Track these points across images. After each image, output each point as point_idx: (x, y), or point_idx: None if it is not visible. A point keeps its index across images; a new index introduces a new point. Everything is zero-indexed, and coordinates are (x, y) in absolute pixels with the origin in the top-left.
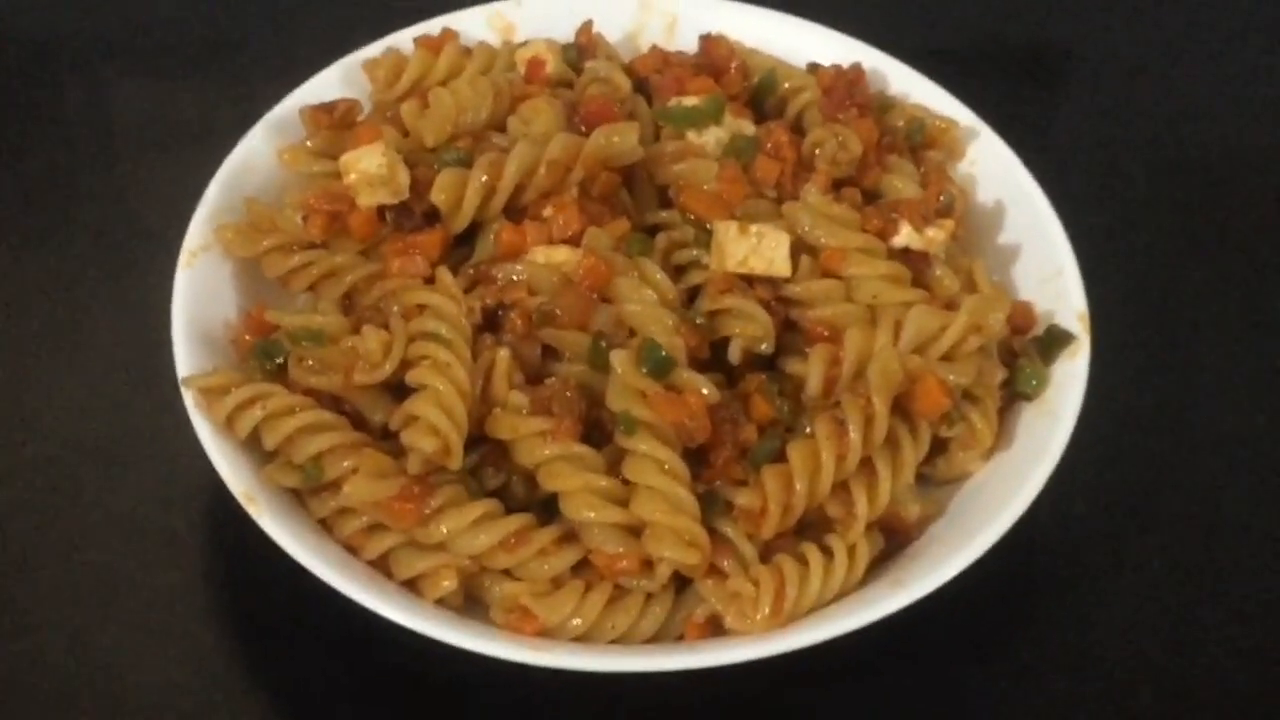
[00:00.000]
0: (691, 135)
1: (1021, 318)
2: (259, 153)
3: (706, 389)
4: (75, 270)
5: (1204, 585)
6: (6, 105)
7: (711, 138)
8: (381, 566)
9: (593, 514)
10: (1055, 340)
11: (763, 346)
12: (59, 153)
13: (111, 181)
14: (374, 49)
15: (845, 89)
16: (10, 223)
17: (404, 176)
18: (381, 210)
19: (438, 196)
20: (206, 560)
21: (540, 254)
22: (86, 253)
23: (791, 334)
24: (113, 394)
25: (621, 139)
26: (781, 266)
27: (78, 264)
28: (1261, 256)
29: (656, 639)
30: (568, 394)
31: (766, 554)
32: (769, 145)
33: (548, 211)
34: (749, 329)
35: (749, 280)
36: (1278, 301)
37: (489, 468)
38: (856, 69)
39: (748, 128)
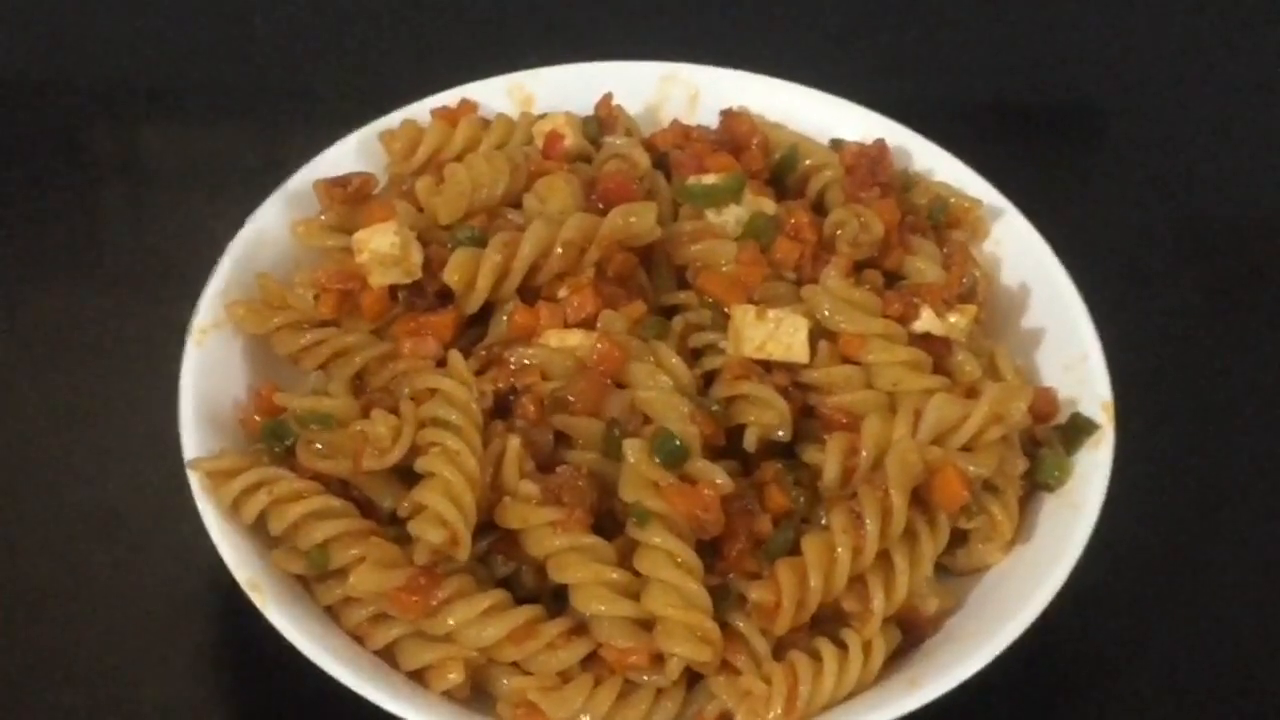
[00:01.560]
0: (711, 214)
1: (1044, 405)
2: (272, 225)
3: (721, 479)
4: (92, 330)
5: (1232, 685)
6: (26, 157)
7: (731, 217)
8: (388, 656)
9: (603, 607)
10: (1079, 429)
11: (779, 434)
12: (80, 207)
13: (134, 236)
14: (392, 119)
15: (868, 167)
16: (27, 277)
17: (417, 256)
18: (394, 289)
19: (451, 277)
20: (210, 643)
21: (553, 338)
22: (104, 313)
23: (809, 420)
24: (125, 464)
25: (639, 219)
26: (800, 352)
27: (95, 324)
28: None
29: None
30: (579, 484)
31: (780, 648)
32: (789, 226)
33: (563, 292)
34: (765, 416)
35: (766, 365)
36: None
37: (499, 556)
38: (880, 146)
39: (768, 206)
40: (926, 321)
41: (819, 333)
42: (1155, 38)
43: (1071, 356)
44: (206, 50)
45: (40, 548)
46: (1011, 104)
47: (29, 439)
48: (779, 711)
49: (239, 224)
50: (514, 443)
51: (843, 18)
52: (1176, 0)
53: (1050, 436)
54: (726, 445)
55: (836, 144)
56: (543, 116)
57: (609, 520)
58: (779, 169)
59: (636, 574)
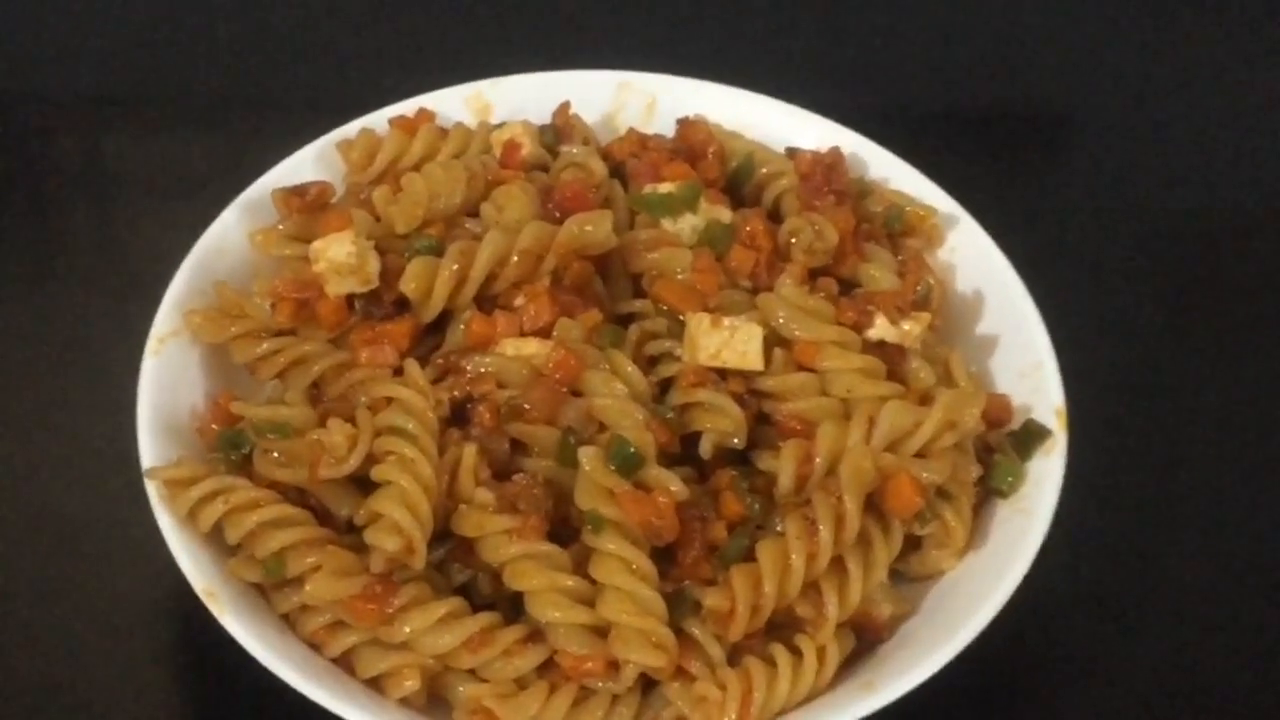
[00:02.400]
0: (666, 223)
1: (998, 412)
2: (231, 234)
3: (675, 487)
4: (51, 337)
5: (1184, 686)
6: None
7: (687, 225)
8: (345, 664)
9: (558, 614)
10: (1032, 436)
11: (734, 441)
12: (41, 214)
13: (94, 245)
14: (349, 128)
15: (823, 175)
16: None
17: (374, 265)
18: (351, 298)
19: (407, 286)
20: (168, 651)
21: (510, 346)
22: (64, 320)
23: (764, 427)
24: (83, 474)
25: (595, 228)
26: (754, 360)
27: (54, 331)
28: (1252, 351)
29: None
30: (535, 491)
31: (735, 654)
32: (745, 234)
33: (519, 301)
34: (720, 423)
35: (722, 373)
36: (1268, 398)
37: (455, 563)
38: (835, 153)
39: (724, 214)
40: (881, 329)
41: (774, 340)
42: (1113, 45)
43: (1026, 364)
44: (169, 58)
45: None
46: (968, 112)
47: None
48: (733, 717)
49: (200, 232)
50: (470, 450)
51: (799, 26)
52: (1135, 7)
53: (1003, 443)
54: (682, 452)
55: (792, 152)
56: (500, 125)
57: (565, 527)
58: (735, 177)
59: (592, 581)
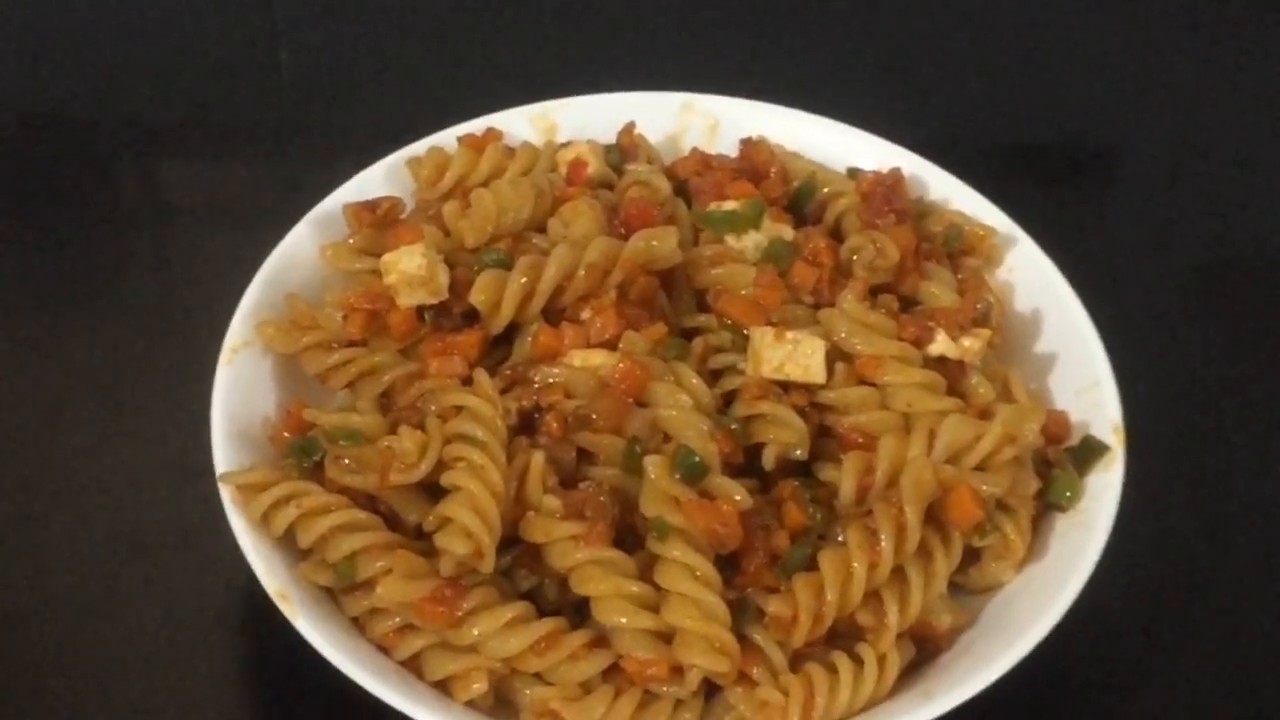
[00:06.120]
0: (730, 239)
1: (1056, 428)
2: (302, 248)
3: (739, 495)
4: (121, 357)
5: (1241, 703)
6: (56, 189)
7: (750, 242)
8: (413, 666)
9: (624, 619)
10: (1090, 451)
11: (797, 453)
12: (108, 238)
13: (161, 266)
14: (419, 146)
15: (884, 195)
16: (57, 306)
17: (443, 277)
18: (421, 310)
19: (477, 298)
20: (240, 654)
21: (577, 357)
22: (132, 340)
23: (826, 440)
24: (155, 484)
25: (661, 243)
26: (817, 373)
27: (124, 351)
28: None
29: None
30: (601, 499)
31: (796, 661)
32: (807, 251)
33: (586, 314)
34: (783, 435)
35: (784, 386)
36: None
37: (522, 569)
38: (895, 174)
39: (786, 232)
40: (941, 345)
41: (836, 354)
42: (1174, 76)
43: (1083, 381)
44: (233, 85)
45: (73, 566)
46: (1030, 140)
47: (60, 461)
48: None
49: (266, 251)
50: (538, 458)
51: (859, 57)
52: (1195, 40)
53: (1062, 458)
54: (745, 463)
55: (853, 172)
56: (566, 144)
57: (630, 535)
58: (797, 197)
59: (657, 587)
